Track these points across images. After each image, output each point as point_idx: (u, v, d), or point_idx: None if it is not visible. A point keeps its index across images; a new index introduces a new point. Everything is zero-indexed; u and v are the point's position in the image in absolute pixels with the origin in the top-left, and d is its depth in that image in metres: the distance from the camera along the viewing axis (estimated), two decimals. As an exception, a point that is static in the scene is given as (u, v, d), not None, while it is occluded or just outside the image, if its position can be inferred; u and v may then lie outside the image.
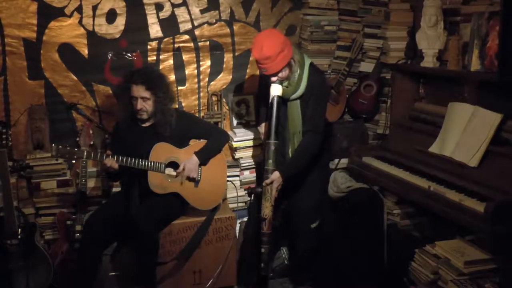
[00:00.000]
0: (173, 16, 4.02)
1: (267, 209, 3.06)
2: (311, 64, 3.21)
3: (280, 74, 3.06)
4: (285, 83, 3.12)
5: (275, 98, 3.07)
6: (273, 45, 2.97)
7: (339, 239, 3.66)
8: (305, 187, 3.32)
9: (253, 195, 3.29)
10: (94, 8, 3.83)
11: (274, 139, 3.08)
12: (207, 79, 4.20)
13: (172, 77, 4.06)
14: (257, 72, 4.00)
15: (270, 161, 3.09)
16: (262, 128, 3.48)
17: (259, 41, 3.02)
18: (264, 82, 3.36)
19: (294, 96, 3.17)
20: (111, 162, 3.27)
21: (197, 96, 4.20)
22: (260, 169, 3.33)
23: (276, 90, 3.07)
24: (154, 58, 4.03)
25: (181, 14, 4.04)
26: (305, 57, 3.20)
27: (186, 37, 4.08)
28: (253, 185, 4.00)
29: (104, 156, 3.28)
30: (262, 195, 3.09)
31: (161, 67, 4.04)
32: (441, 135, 3.36)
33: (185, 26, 4.06)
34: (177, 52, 4.09)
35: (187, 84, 4.17)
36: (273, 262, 3.76)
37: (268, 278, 3.38)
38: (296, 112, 3.20)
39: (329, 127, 3.90)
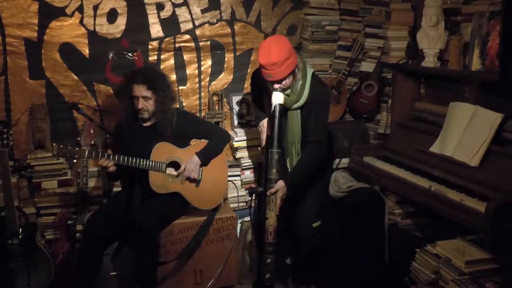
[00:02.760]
0: (174, 16, 4.02)
1: (272, 219, 3.04)
2: (313, 74, 3.19)
3: (284, 82, 3.04)
4: (287, 92, 3.10)
5: (277, 107, 3.04)
6: (280, 51, 2.93)
7: (340, 239, 3.66)
8: (306, 191, 3.31)
9: (254, 194, 3.27)
10: (95, 8, 3.84)
11: (276, 148, 3.06)
12: (208, 78, 4.20)
13: (173, 76, 4.06)
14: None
15: (274, 170, 3.05)
16: (263, 125, 3.43)
17: (266, 46, 2.97)
18: (255, 82, 3.36)
19: (295, 105, 3.15)
20: (106, 162, 3.26)
21: (198, 96, 4.20)
22: (261, 168, 3.31)
23: (278, 98, 3.03)
24: (155, 58, 4.04)
25: (182, 14, 4.04)
26: (307, 66, 3.18)
27: (187, 36, 4.08)
28: (253, 185, 4.00)
29: (100, 156, 3.26)
30: (267, 205, 3.06)
31: (162, 67, 4.05)
32: (442, 135, 3.36)
33: (186, 26, 4.06)
34: (178, 52, 4.09)
35: (188, 84, 4.17)
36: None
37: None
38: (295, 122, 3.18)
39: (329, 132, 3.90)
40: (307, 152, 3.19)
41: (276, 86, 3.03)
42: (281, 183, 3.04)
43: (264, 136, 3.39)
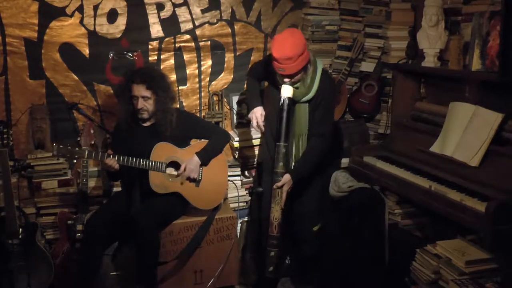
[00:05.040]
0: (174, 16, 4.02)
1: (277, 213, 3.04)
2: (323, 68, 3.20)
3: (296, 76, 3.04)
4: (296, 85, 3.09)
5: (286, 100, 3.03)
6: (295, 46, 2.92)
7: (340, 239, 3.66)
8: (306, 190, 3.31)
9: (253, 194, 3.27)
10: (95, 7, 3.84)
11: (284, 142, 3.06)
12: (208, 78, 4.20)
13: (173, 77, 4.06)
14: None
15: (281, 164, 3.05)
16: (258, 112, 3.30)
17: (281, 40, 2.95)
18: (264, 69, 3.31)
19: (304, 99, 3.14)
20: (112, 162, 3.27)
21: (198, 95, 4.20)
22: (260, 168, 3.30)
23: (287, 91, 3.03)
24: (155, 58, 4.04)
25: (182, 13, 4.04)
26: (317, 61, 3.18)
27: (187, 36, 4.08)
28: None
29: (106, 156, 3.28)
30: (272, 198, 3.06)
31: (162, 67, 4.05)
32: (442, 135, 3.36)
33: (186, 26, 4.06)
34: (178, 52, 4.09)
35: (188, 84, 4.17)
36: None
37: (277, 281, 3.37)
38: (303, 115, 3.18)
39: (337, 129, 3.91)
40: (312, 145, 3.19)
41: (286, 80, 3.03)
42: (287, 177, 3.05)
43: (255, 123, 3.28)
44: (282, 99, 3.04)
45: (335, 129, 3.94)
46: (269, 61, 3.12)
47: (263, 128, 3.30)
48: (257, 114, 3.29)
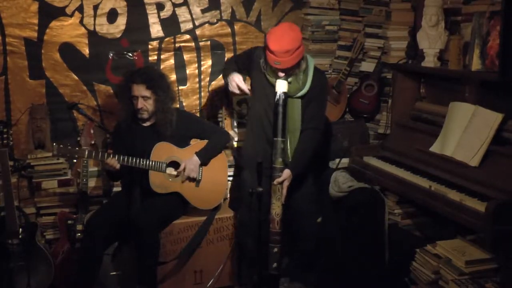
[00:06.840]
0: (174, 16, 4.02)
1: (278, 208, 3.04)
2: (314, 65, 3.21)
3: (290, 71, 3.04)
4: (289, 79, 3.09)
5: (282, 95, 3.04)
6: (294, 40, 2.93)
7: (340, 239, 3.66)
8: (301, 186, 3.30)
9: (254, 195, 3.26)
10: (95, 7, 3.84)
11: (281, 137, 3.06)
12: (208, 78, 4.20)
13: (173, 76, 4.06)
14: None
15: (279, 159, 3.06)
16: (234, 78, 3.27)
17: (279, 33, 2.96)
18: (252, 60, 3.27)
19: (299, 94, 3.15)
20: (113, 162, 3.27)
21: (198, 96, 4.20)
22: (260, 168, 3.28)
23: (282, 86, 3.03)
24: (155, 57, 4.04)
25: (182, 13, 4.04)
26: (308, 57, 3.19)
27: (187, 36, 4.08)
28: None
29: (106, 156, 3.28)
30: (272, 194, 3.06)
31: (162, 66, 4.05)
32: (442, 135, 3.36)
33: (186, 26, 4.06)
34: (178, 52, 4.09)
35: (188, 84, 4.17)
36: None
37: (279, 278, 3.37)
38: (297, 110, 3.19)
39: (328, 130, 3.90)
40: (306, 139, 3.20)
41: (281, 74, 3.03)
42: (287, 172, 3.04)
43: (241, 85, 3.24)
44: (278, 94, 3.04)
45: (326, 127, 3.95)
46: (260, 56, 3.13)
47: (248, 89, 3.25)
48: (237, 77, 3.26)
